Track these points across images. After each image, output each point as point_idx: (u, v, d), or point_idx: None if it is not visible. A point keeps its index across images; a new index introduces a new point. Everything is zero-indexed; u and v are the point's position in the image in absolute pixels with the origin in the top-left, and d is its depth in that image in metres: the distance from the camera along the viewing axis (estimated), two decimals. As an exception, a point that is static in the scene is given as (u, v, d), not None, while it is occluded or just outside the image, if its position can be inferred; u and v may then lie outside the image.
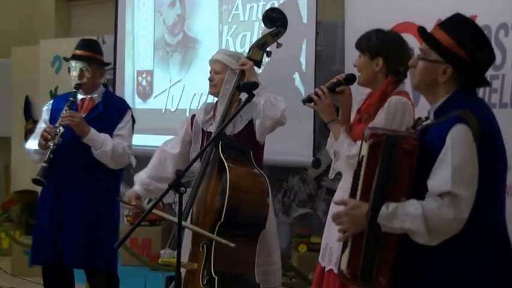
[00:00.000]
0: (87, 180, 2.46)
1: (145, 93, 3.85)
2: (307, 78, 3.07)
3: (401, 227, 1.38)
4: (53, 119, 2.52)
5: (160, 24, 3.80)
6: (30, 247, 3.90)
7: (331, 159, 2.01)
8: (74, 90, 2.49)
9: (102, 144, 2.42)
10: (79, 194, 2.45)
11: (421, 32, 1.48)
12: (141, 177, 2.35)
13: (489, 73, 2.18)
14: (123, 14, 3.96)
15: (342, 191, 1.92)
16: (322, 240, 2.01)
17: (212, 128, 2.32)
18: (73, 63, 2.53)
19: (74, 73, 2.51)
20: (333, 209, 1.99)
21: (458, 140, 1.37)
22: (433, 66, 1.46)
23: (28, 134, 4.60)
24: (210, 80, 2.34)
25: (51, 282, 2.56)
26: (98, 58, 2.56)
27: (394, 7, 2.62)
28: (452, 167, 1.35)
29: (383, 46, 1.89)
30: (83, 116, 2.47)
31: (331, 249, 1.90)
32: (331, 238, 1.89)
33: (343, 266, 1.45)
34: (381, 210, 1.38)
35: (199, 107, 3.41)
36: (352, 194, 1.48)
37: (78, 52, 2.54)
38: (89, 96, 2.54)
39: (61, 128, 2.38)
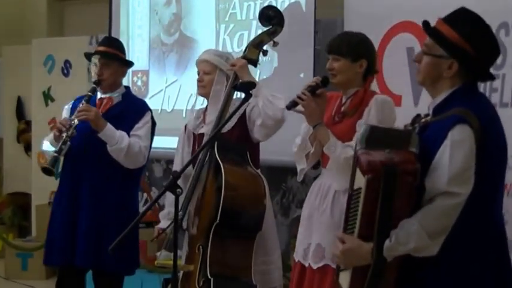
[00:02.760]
0: (102, 181, 2.41)
1: (140, 94, 3.81)
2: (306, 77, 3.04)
3: (407, 250, 1.36)
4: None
5: (155, 23, 3.77)
6: (23, 250, 3.92)
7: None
8: (94, 85, 2.44)
9: (118, 140, 2.38)
10: (94, 194, 2.41)
11: (427, 26, 1.46)
12: (163, 212, 2.36)
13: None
14: (117, 13, 3.92)
15: (327, 188, 1.94)
16: (300, 240, 2.01)
17: (203, 130, 2.31)
18: (94, 59, 2.48)
19: (95, 69, 2.47)
20: (306, 209, 2.02)
21: (458, 142, 1.35)
22: (438, 61, 1.44)
23: (20, 134, 4.60)
24: (200, 80, 2.32)
25: (64, 285, 2.51)
26: (118, 55, 2.51)
27: (394, 6, 2.61)
28: (449, 170, 1.34)
29: (364, 48, 1.95)
30: (100, 113, 2.43)
31: (320, 245, 1.90)
32: (313, 237, 1.91)
33: (344, 285, 1.44)
34: (384, 244, 1.36)
35: (195, 107, 3.40)
36: (346, 224, 1.45)
37: (100, 48, 2.50)
38: (108, 95, 2.50)
39: (76, 121, 2.35)
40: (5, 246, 4.07)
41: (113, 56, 2.48)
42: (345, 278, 1.44)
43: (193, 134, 2.34)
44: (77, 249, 2.41)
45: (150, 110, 2.56)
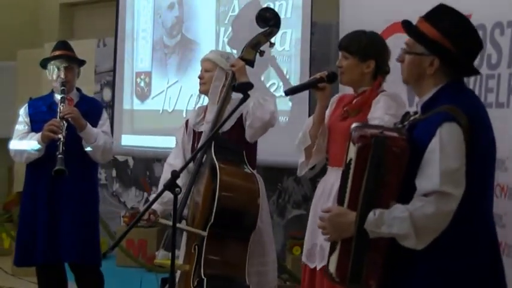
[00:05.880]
0: (79, 177, 2.50)
1: (143, 95, 3.87)
2: (302, 79, 3.06)
3: (389, 232, 1.36)
4: (34, 122, 2.58)
5: (159, 26, 3.83)
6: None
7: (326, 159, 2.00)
8: (63, 87, 2.53)
9: (96, 138, 2.51)
10: (73, 190, 2.50)
11: (405, 25, 1.47)
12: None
13: (485, 72, 2.15)
14: (123, 17, 4.00)
15: (330, 187, 1.92)
16: (306, 241, 1.99)
17: (203, 128, 2.34)
18: (57, 63, 2.58)
19: (59, 72, 2.56)
20: (312, 209, 2.00)
21: (447, 140, 1.35)
22: (419, 59, 1.44)
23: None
24: (200, 78, 2.36)
25: (46, 281, 2.59)
26: (78, 58, 2.66)
27: (388, 8, 2.60)
28: (441, 167, 1.33)
29: (374, 49, 1.92)
30: None
31: (322, 247, 1.88)
32: (319, 237, 1.86)
33: (332, 269, 1.44)
34: (368, 217, 1.36)
35: (195, 108, 3.43)
36: (340, 197, 1.46)
37: (61, 52, 2.61)
38: (68, 96, 2.59)
39: (64, 122, 2.45)
40: (13, 243, 4.14)
41: (75, 59, 2.62)
42: (333, 262, 1.44)
43: (194, 130, 2.36)
44: (63, 245, 2.47)
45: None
